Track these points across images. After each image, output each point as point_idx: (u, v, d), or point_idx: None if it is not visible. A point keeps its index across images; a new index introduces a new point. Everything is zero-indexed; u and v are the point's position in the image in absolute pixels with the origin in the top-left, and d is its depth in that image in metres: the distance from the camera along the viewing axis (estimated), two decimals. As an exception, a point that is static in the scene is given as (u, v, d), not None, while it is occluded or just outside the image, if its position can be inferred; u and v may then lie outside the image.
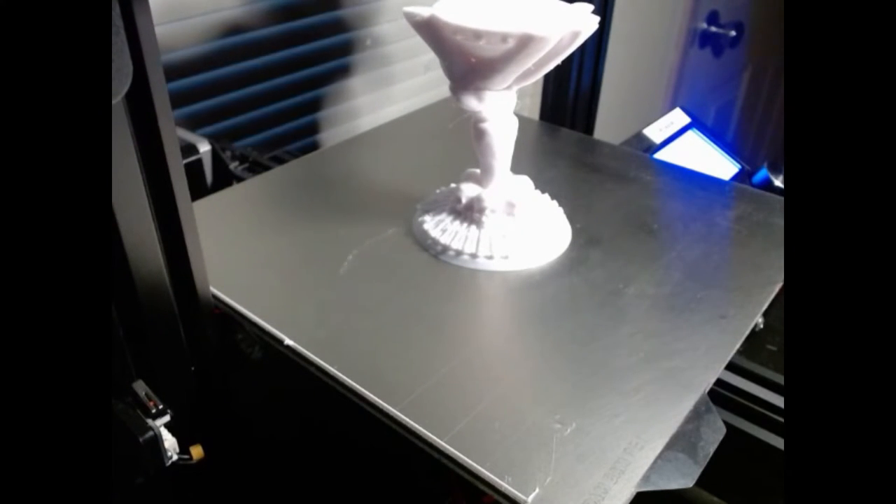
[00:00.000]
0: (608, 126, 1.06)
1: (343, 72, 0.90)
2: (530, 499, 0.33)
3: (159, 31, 0.69)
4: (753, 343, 0.47)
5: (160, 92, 0.31)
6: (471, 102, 0.47)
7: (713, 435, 0.38)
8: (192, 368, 0.40)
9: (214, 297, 0.45)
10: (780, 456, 0.47)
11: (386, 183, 0.61)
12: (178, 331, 0.38)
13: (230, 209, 0.58)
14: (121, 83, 0.29)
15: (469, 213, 0.52)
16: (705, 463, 0.37)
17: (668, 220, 0.57)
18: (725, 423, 0.39)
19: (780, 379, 0.50)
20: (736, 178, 1.00)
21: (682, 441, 0.37)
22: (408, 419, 0.38)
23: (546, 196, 0.56)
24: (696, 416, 0.39)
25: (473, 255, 0.50)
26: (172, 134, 0.33)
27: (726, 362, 0.43)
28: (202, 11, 0.73)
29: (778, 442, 0.48)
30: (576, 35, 0.42)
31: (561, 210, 0.56)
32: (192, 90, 0.75)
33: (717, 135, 1.04)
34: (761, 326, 0.49)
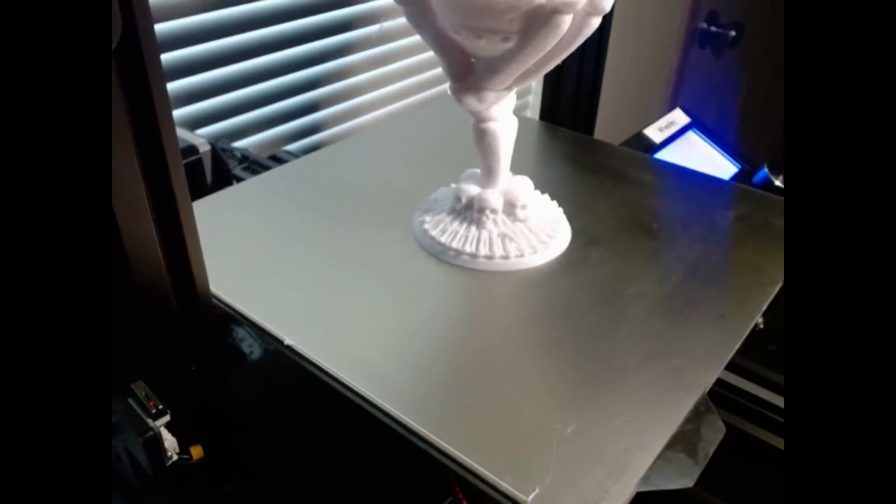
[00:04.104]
0: (608, 126, 1.06)
1: (343, 72, 0.90)
2: (530, 499, 0.33)
3: (159, 28, 0.69)
4: (753, 343, 0.47)
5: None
6: (471, 102, 0.47)
7: (713, 435, 0.38)
8: (192, 368, 0.40)
9: (214, 297, 0.45)
10: (780, 456, 0.47)
11: (386, 183, 0.61)
12: (178, 331, 0.38)
13: (230, 209, 0.58)
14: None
15: (469, 213, 0.52)
16: (705, 463, 0.37)
17: (668, 220, 0.57)
18: (725, 423, 0.39)
19: (780, 379, 0.50)
20: (736, 178, 1.00)
21: (682, 441, 0.37)
22: (408, 419, 0.38)
23: (546, 196, 0.56)
24: (696, 416, 0.39)
25: (473, 255, 0.50)
26: (171, 130, 0.33)
27: (726, 362, 0.43)
28: (201, 11, 0.73)
29: (778, 442, 0.48)
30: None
31: (561, 210, 0.56)
32: (192, 90, 0.75)
33: (717, 135, 1.04)
34: (761, 326, 0.49)
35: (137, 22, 0.29)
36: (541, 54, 0.43)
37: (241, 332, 0.52)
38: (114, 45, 0.28)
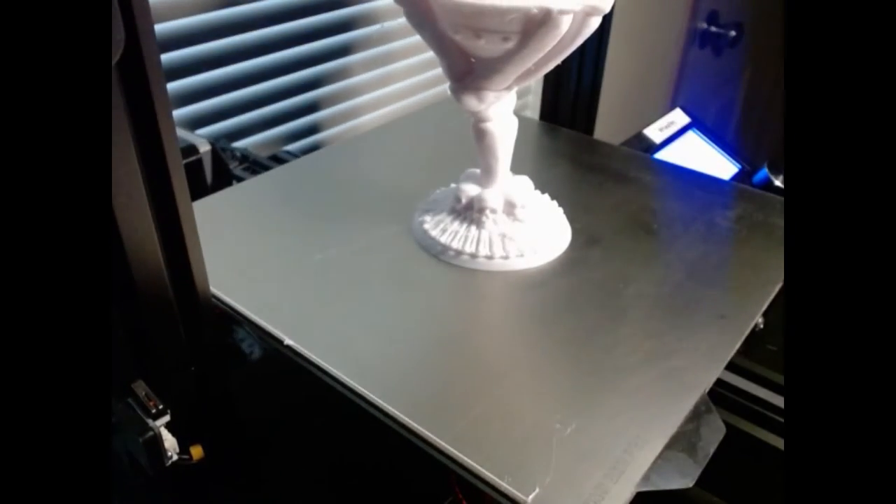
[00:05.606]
0: (608, 126, 1.06)
1: (343, 72, 0.90)
2: (530, 499, 0.33)
3: (159, 28, 0.69)
4: (753, 343, 0.47)
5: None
6: (471, 102, 0.47)
7: (713, 435, 0.38)
8: (192, 368, 0.40)
9: (214, 297, 0.45)
10: (780, 456, 0.47)
11: (386, 183, 0.61)
12: (178, 331, 0.38)
13: (230, 209, 0.58)
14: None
15: (469, 213, 0.52)
16: (705, 463, 0.37)
17: (668, 220, 0.57)
18: (725, 423, 0.39)
19: (780, 379, 0.50)
20: (736, 178, 1.00)
21: (682, 441, 0.37)
22: (408, 419, 0.38)
23: (546, 196, 0.56)
24: (696, 416, 0.39)
25: (473, 255, 0.50)
26: (171, 130, 0.33)
27: (726, 362, 0.43)
28: (201, 11, 0.73)
29: (778, 442, 0.48)
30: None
31: (561, 210, 0.56)
32: (192, 90, 0.75)
33: (717, 135, 1.04)
34: (761, 326, 0.49)
35: (138, 23, 0.29)
36: (541, 54, 0.43)
37: (241, 332, 0.52)
38: (117, 59, 0.28)
